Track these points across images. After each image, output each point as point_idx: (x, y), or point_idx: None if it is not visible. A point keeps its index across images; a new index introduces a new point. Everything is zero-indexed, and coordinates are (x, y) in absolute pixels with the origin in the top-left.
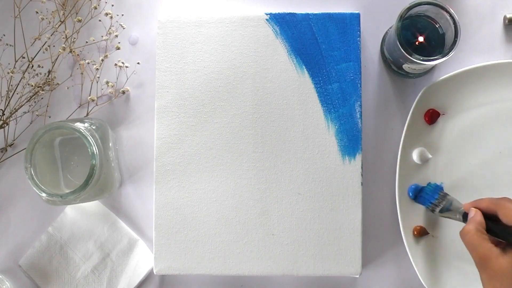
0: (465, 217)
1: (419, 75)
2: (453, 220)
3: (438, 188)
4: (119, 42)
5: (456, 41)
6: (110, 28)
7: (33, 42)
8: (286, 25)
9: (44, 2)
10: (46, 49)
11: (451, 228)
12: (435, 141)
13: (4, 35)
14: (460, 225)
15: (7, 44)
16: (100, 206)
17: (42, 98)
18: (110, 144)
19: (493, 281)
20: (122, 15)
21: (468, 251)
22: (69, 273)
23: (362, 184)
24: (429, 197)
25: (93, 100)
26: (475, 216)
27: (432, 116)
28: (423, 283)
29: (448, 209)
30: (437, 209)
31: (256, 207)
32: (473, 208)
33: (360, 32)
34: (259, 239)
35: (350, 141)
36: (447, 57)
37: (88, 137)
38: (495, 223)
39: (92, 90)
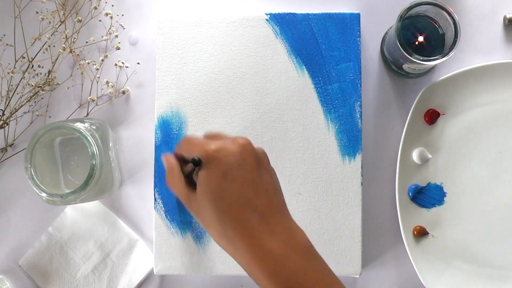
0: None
1: (419, 75)
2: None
3: (438, 189)
4: (119, 42)
5: (456, 41)
6: (110, 28)
7: (33, 42)
8: (286, 25)
9: (44, 2)
10: (46, 49)
11: (451, 228)
12: (435, 141)
13: (4, 35)
14: (461, 223)
15: (7, 44)
16: (100, 206)
17: (42, 98)
18: (110, 144)
19: (200, 216)
20: (122, 15)
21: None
22: (69, 273)
23: (362, 184)
24: (429, 197)
25: (93, 100)
26: (168, 159)
27: (432, 116)
28: (423, 283)
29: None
30: None
31: None
32: (163, 156)
33: (360, 32)
34: None
35: (350, 141)
36: (447, 57)
37: (88, 137)
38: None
39: (92, 90)
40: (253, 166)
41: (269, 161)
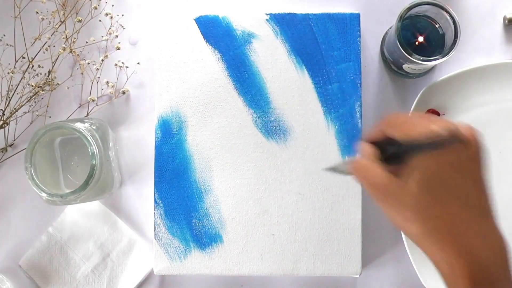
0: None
1: (419, 75)
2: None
3: None
4: (119, 42)
5: (456, 41)
6: (110, 28)
7: (33, 42)
8: (286, 25)
9: (44, 2)
10: (46, 49)
11: None
12: None
13: (4, 35)
14: None
15: (7, 44)
16: (100, 206)
17: (42, 98)
18: (110, 144)
19: (400, 208)
20: (122, 15)
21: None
22: (69, 273)
23: (362, 184)
24: None
25: (93, 100)
26: (363, 147)
27: None
28: (423, 283)
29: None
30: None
31: (256, 207)
32: (361, 143)
33: (360, 32)
34: (259, 239)
35: (350, 141)
36: (447, 57)
37: (88, 137)
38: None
39: (92, 90)
40: (482, 161)
41: None
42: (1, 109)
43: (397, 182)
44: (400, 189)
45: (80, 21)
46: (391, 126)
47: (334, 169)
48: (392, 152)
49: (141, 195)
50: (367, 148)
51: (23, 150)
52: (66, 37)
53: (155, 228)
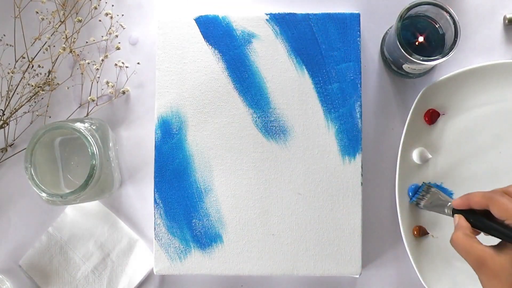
0: (455, 212)
1: (419, 75)
2: (443, 215)
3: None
4: (119, 42)
5: (456, 41)
6: (110, 28)
7: (33, 42)
8: (286, 25)
9: (44, 2)
10: (46, 49)
11: (451, 228)
12: (435, 141)
13: (4, 35)
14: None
15: (7, 44)
16: (100, 206)
17: (42, 98)
18: (110, 144)
19: (492, 281)
20: (122, 15)
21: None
22: (69, 273)
23: (362, 184)
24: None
25: (93, 100)
26: (459, 221)
27: (432, 116)
28: (423, 283)
29: (435, 204)
30: (422, 203)
31: (256, 207)
32: (456, 215)
33: (360, 32)
34: (259, 239)
35: (350, 141)
36: (447, 57)
37: (88, 137)
38: (486, 219)
39: (92, 90)
40: None
41: None
42: (1, 109)
43: (494, 258)
44: (497, 265)
45: (80, 21)
46: (493, 204)
47: (429, 208)
48: (479, 225)
49: (141, 195)
50: (463, 223)
51: (23, 150)
52: (66, 37)
53: (155, 228)
